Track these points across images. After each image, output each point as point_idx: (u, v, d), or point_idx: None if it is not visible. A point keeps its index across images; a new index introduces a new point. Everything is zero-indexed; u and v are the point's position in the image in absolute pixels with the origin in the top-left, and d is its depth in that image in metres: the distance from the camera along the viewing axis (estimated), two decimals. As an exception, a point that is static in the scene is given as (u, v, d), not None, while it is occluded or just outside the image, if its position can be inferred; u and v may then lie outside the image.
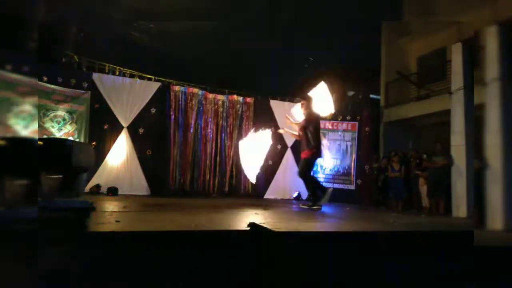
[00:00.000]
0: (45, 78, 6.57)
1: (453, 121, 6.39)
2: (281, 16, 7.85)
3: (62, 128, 6.75)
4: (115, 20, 7.70)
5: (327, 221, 4.18)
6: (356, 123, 8.52)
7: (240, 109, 8.40)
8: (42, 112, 6.53)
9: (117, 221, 3.06)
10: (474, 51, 6.74)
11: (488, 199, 4.52)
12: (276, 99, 8.73)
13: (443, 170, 6.41)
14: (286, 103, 8.61)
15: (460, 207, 5.98)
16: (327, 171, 8.63)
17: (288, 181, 8.54)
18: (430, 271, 2.55)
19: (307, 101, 5.59)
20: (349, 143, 8.52)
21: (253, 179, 6.07)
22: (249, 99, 8.52)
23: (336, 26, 7.75)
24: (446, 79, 7.80)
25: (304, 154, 5.45)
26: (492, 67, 5.03)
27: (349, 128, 8.58)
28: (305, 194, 8.49)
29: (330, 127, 8.68)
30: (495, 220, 4.41)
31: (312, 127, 5.42)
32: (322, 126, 8.78)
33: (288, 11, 7.81)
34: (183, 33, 8.60)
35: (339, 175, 8.51)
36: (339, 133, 8.62)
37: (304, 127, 5.46)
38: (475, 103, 5.95)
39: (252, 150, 5.74)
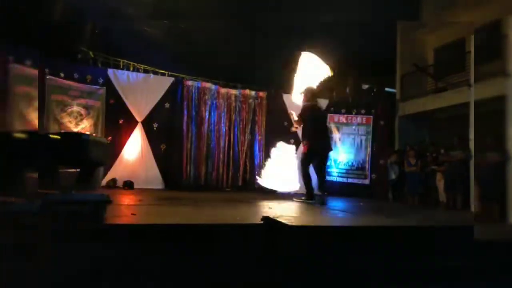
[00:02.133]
0: (62, 74, 6.70)
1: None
2: (291, 10, 7.75)
3: (79, 123, 6.88)
4: (128, 16, 7.75)
5: (341, 215, 4.15)
6: (371, 117, 8.39)
7: (253, 103, 8.39)
8: (60, 107, 6.68)
9: (133, 214, 3.12)
10: (493, 40, 6.51)
11: (510, 192, 4.38)
12: (289, 94, 8.67)
13: (461, 165, 6.26)
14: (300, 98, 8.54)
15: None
16: (341, 166, 8.55)
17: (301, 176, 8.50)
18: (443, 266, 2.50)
19: (304, 92, 5.35)
20: (363, 137, 8.41)
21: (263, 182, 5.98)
22: (261, 93, 8.49)
23: (350, 20, 7.60)
24: (464, 71, 7.58)
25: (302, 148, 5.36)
26: (515, 57, 4.84)
27: (364, 121, 8.46)
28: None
29: (344, 120, 8.58)
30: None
31: (305, 121, 5.21)
32: (336, 119, 8.74)
33: (299, 5, 7.71)
34: (196, 28, 8.60)
35: (354, 169, 8.42)
36: (354, 127, 8.51)
37: (300, 121, 5.31)
38: (495, 95, 5.69)
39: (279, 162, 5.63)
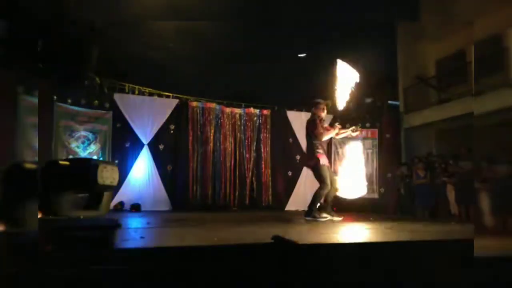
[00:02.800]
0: (69, 100, 6.83)
1: None
2: (291, 25, 7.88)
3: (87, 148, 6.96)
4: (133, 39, 7.95)
5: (351, 231, 4.08)
6: (376, 130, 8.38)
7: (258, 121, 8.44)
8: (68, 133, 6.77)
9: (141, 237, 3.10)
10: (495, 52, 6.55)
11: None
12: (293, 110, 8.73)
13: (471, 175, 6.17)
14: (303, 113, 8.59)
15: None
16: (349, 180, 8.46)
17: (309, 192, 8.41)
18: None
19: (322, 105, 5.15)
20: (369, 151, 8.37)
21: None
22: (265, 111, 8.55)
23: (351, 31, 7.71)
24: (467, 82, 7.59)
25: None
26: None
27: (369, 135, 8.44)
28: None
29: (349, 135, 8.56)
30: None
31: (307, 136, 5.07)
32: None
33: (299, 18, 7.83)
34: (197, 50, 8.77)
35: (361, 184, 8.33)
36: (359, 141, 8.48)
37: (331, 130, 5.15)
38: (500, 106, 5.63)
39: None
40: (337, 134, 5.30)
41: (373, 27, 7.96)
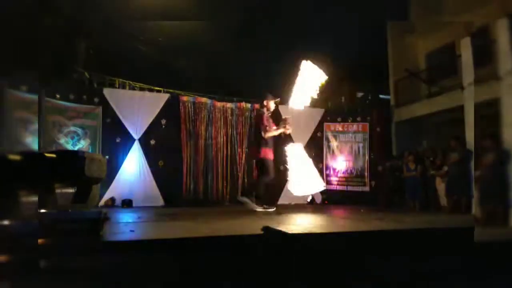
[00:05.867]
0: (58, 96, 6.73)
1: (506, 112, 5.31)
2: (283, 20, 7.88)
3: (77, 143, 6.88)
4: (123, 34, 7.87)
5: (342, 222, 4.11)
6: (367, 124, 8.43)
7: (249, 116, 8.42)
8: (57, 128, 6.68)
9: (131, 231, 3.09)
10: (483, 45, 6.62)
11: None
12: (284, 104, 8.73)
13: (459, 166, 6.24)
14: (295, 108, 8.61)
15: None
16: (341, 173, 8.53)
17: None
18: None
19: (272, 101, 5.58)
20: (361, 144, 8.43)
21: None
22: (257, 105, 8.53)
23: (341, 26, 7.73)
24: (457, 75, 7.66)
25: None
26: (505, 60, 4.92)
27: (360, 129, 8.49)
28: (318, 198, 8.40)
29: (340, 129, 8.61)
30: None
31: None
32: (332, 128, 8.78)
33: (291, 14, 7.84)
34: (189, 44, 8.72)
35: (353, 177, 8.40)
36: (350, 134, 8.54)
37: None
38: (487, 98, 5.73)
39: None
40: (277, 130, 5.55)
41: (363, 24, 7.99)
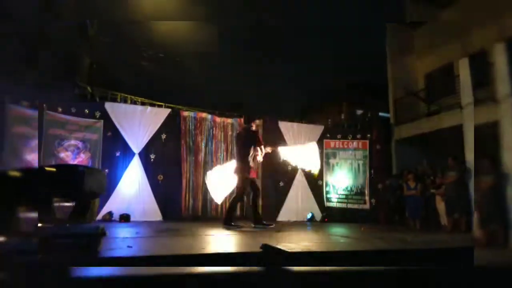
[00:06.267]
0: (60, 109, 6.77)
1: (505, 135, 5.26)
2: (285, 41, 8.02)
3: (77, 157, 6.87)
4: (126, 51, 7.98)
5: (342, 241, 4.07)
6: (367, 141, 8.45)
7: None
8: (57, 141, 6.68)
9: (129, 247, 3.05)
10: (481, 67, 6.72)
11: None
12: (285, 121, 8.78)
13: (457, 186, 6.22)
14: (295, 124, 8.66)
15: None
16: (340, 191, 8.49)
17: (300, 203, 8.42)
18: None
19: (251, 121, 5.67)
20: (360, 162, 8.42)
21: (218, 201, 6.32)
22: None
23: (341, 47, 7.86)
24: (455, 94, 7.75)
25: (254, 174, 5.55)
26: (503, 83, 4.98)
27: (360, 146, 8.50)
28: (318, 215, 8.34)
29: (340, 146, 8.62)
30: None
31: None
32: (332, 145, 8.80)
33: (291, 36, 7.99)
34: (191, 61, 8.85)
35: (352, 194, 8.36)
36: (350, 151, 8.54)
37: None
38: (486, 120, 5.74)
39: (220, 181, 5.86)
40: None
41: (364, 40, 8.13)
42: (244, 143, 5.47)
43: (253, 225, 5.37)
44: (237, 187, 5.45)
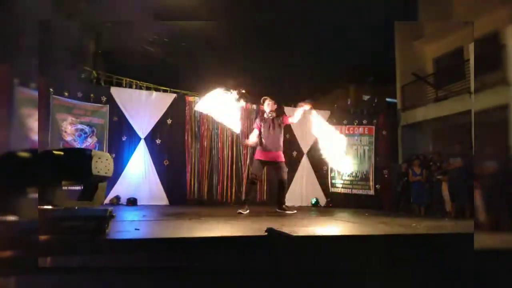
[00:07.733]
0: (66, 94, 6.80)
1: None
2: (290, 23, 7.89)
3: (84, 141, 6.94)
4: (132, 36, 7.93)
5: (346, 225, 4.10)
6: (373, 127, 8.39)
7: (255, 116, 8.42)
8: (64, 126, 6.75)
9: (136, 229, 3.11)
10: (492, 51, 6.56)
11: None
12: (290, 106, 8.73)
13: (462, 172, 6.18)
14: (300, 109, 8.61)
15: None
16: (346, 177, 8.49)
17: (305, 188, 8.46)
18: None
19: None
20: (366, 148, 8.39)
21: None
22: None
23: (349, 30, 7.72)
24: (464, 79, 7.62)
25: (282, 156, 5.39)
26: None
27: (366, 132, 8.45)
28: (323, 201, 8.38)
29: (346, 131, 8.57)
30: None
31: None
32: (338, 131, 8.75)
33: (298, 17, 7.85)
34: (196, 46, 8.77)
35: (358, 180, 8.36)
36: (356, 137, 8.50)
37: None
38: (496, 104, 5.64)
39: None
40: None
41: (371, 25, 7.98)
42: (280, 126, 5.48)
43: (278, 209, 5.35)
44: (283, 172, 5.34)
